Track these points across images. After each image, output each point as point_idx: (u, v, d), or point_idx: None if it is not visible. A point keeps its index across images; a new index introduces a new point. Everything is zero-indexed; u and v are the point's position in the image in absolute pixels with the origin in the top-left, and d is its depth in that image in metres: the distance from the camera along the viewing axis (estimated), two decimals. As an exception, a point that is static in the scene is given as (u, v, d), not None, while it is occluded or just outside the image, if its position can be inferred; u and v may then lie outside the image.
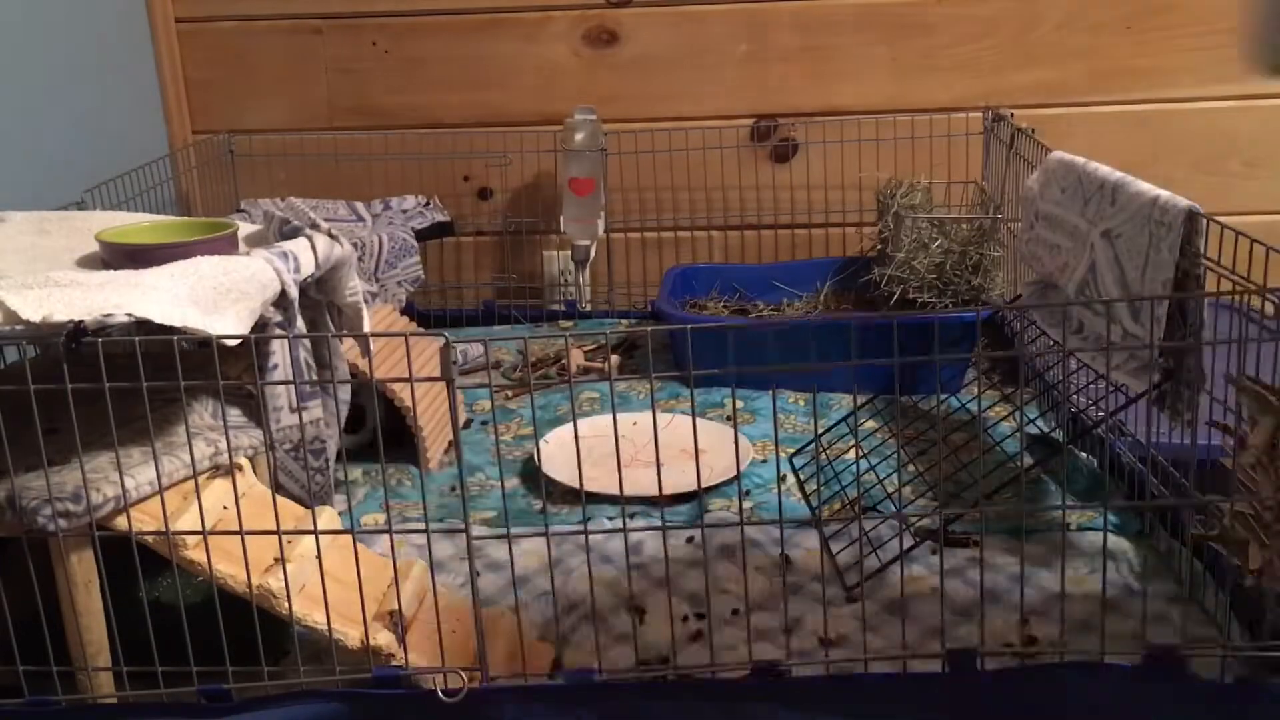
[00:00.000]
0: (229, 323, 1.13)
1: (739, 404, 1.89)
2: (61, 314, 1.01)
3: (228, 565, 1.08)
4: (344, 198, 2.32)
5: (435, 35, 2.36)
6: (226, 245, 1.28)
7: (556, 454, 1.66)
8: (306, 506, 1.25)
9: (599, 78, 2.36)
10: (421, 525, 1.05)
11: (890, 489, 1.53)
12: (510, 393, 1.98)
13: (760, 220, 2.41)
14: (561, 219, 2.32)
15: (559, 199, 2.34)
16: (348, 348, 1.55)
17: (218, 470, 1.19)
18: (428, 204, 2.35)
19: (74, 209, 1.57)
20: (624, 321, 2.32)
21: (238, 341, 1.13)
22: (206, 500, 1.11)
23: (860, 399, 1.77)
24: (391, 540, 1.17)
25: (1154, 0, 2.24)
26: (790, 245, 2.41)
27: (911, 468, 1.59)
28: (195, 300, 1.10)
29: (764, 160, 2.38)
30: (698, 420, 1.70)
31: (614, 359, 2.07)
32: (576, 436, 1.05)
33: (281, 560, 1.09)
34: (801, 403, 1.91)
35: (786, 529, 1.48)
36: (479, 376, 2.04)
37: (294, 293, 1.24)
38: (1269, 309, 1.06)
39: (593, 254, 2.35)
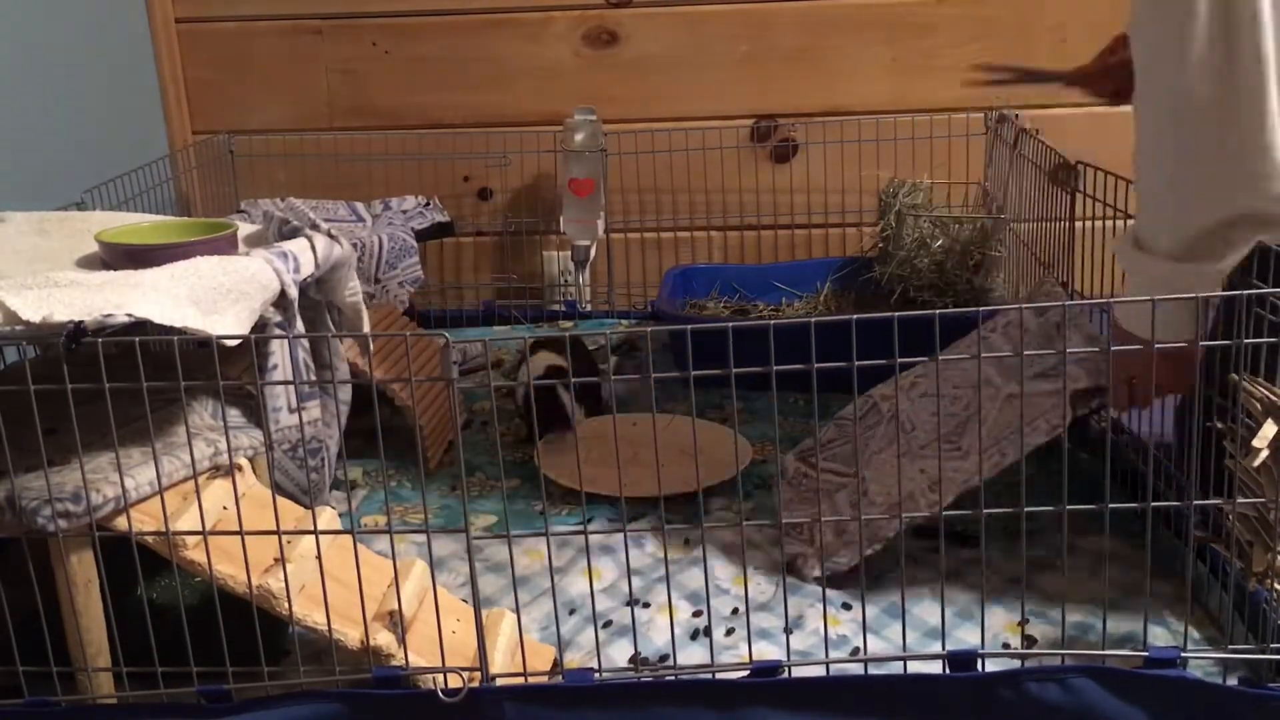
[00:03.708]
0: (229, 323, 1.12)
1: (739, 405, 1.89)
2: (61, 314, 1.01)
3: (228, 565, 1.08)
4: (344, 198, 2.32)
5: (435, 35, 2.36)
6: (226, 245, 1.28)
7: (556, 454, 1.65)
8: (303, 505, 1.25)
9: (599, 78, 2.36)
10: (422, 525, 1.05)
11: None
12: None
13: (760, 220, 2.41)
14: (561, 219, 2.31)
15: (559, 199, 2.34)
16: (347, 347, 1.55)
17: (218, 470, 1.19)
18: (428, 204, 2.35)
19: (74, 209, 1.56)
20: (624, 322, 2.32)
21: (238, 341, 1.13)
22: (206, 500, 1.11)
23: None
24: (392, 540, 1.17)
25: (1154, 0, 2.24)
26: (790, 245, 2.41)
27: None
28: (195, 300, 1.10)
29: (764, 160, 2.38)
30: (697, 420, 1.69)
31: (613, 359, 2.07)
32: (577, 436, 1.05)
33: (281, 560, 1.09)
34: (802, 402, 1.91)
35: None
36: (479, 376, 2.04)
37: (294, 293, 1.24)
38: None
39: (593, 254, 2.35)
